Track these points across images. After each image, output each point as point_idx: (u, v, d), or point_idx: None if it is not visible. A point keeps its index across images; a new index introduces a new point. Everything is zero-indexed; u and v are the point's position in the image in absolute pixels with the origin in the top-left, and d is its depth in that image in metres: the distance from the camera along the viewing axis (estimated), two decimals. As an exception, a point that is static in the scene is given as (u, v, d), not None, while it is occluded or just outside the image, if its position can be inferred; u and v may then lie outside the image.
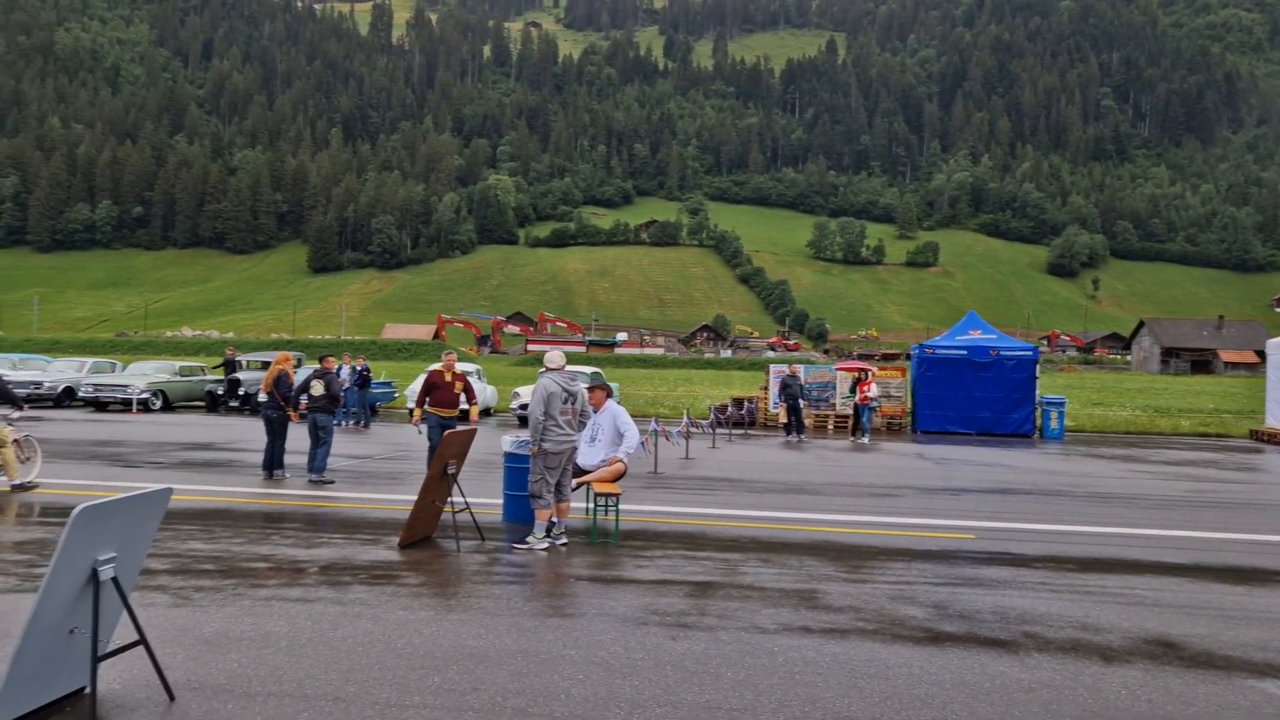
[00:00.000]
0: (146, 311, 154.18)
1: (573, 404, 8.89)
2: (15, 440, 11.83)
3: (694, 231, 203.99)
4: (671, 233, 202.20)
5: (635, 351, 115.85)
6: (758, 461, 17.30)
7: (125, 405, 26.17)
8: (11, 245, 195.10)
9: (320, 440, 12.96)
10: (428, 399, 12.85)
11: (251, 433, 20.31)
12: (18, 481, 11.67)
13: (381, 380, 27.53)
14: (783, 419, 23.33)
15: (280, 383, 13.33)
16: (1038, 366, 24.89)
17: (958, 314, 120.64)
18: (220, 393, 27.15)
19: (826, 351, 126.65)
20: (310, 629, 6.02)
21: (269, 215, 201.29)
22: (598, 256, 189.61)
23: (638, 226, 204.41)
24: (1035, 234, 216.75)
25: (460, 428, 10.03)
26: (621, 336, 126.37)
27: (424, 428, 13.18)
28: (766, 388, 27.43)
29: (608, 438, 9.79)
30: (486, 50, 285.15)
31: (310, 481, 12.71)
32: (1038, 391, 24.83)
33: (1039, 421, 24.73)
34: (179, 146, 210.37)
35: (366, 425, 22.86)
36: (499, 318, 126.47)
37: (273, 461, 13.26)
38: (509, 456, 9.89)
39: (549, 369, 8.96)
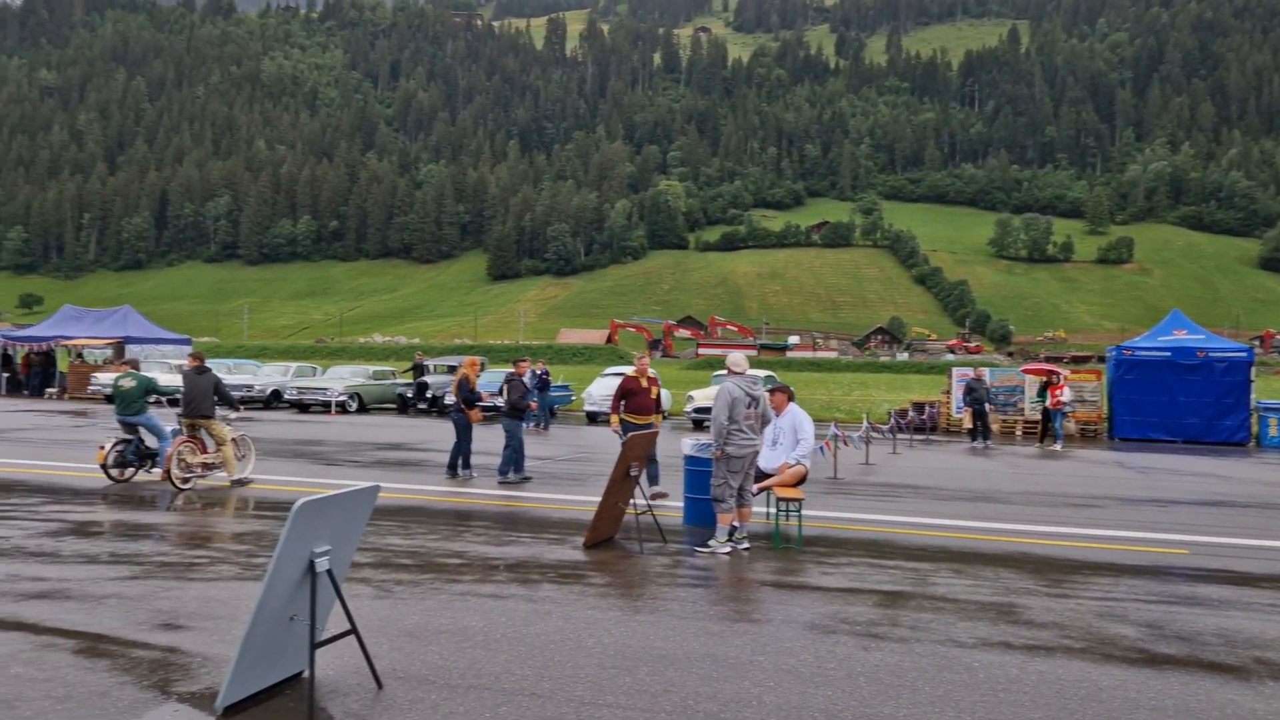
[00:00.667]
0: (341, 319, 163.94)
1: (755, 408, 8.81)
2: (233, 439, 12.75)
3: (867, 232, 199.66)
4: (844, 233, 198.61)
5: (808, 355, 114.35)
6: (942, 468, 16.70)
7: (324, 407, 27.86)
8: (225, 260, 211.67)
9: (505, 443, 13.34)
10: (623, 404, 12.22)
11: (439, 433, 21.20)
12: (236, 477, 12.57)
13: (560, 384, 28.20)
14: (967, 424, 22.45)
15: (462, 386, 13.85)
16: (1253, 369, 22.96)
17: (1156, 313, 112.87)
18: (409, 395, 28.48)
19: (1010, 354, 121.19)
20: (504, 625, 6.18)
21: (452, 226, 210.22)
22: (768, 259, 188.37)
23: (809, 228, 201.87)
24: (1244, 226, 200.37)
25: (646, 431, 10.10)
26: (794, 340, 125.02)
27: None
28: (949, 391, 26.46)
29: (789, 441, 9.66)
30: (656, 57, 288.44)
31: (499, 483, 13.09)
32: (1253, 396, 22.90)
33: (1255, 429, 22.79)
34: (370, 163, 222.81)
35: (546, 427, 23.46)
36: (670, 322, 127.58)
37: (457, 461, 13.78)
38: (689, 460, 9.90)
39: (732, 373, 8.91)
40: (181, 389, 12.71)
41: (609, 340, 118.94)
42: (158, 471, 12.48)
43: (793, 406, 9.75)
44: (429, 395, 27.66)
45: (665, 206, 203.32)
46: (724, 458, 8.71)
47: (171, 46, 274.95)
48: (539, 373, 23.95)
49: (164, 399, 13.02)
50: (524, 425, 13.77)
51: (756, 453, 8.94)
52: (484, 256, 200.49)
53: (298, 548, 4.66)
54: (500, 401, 25.72)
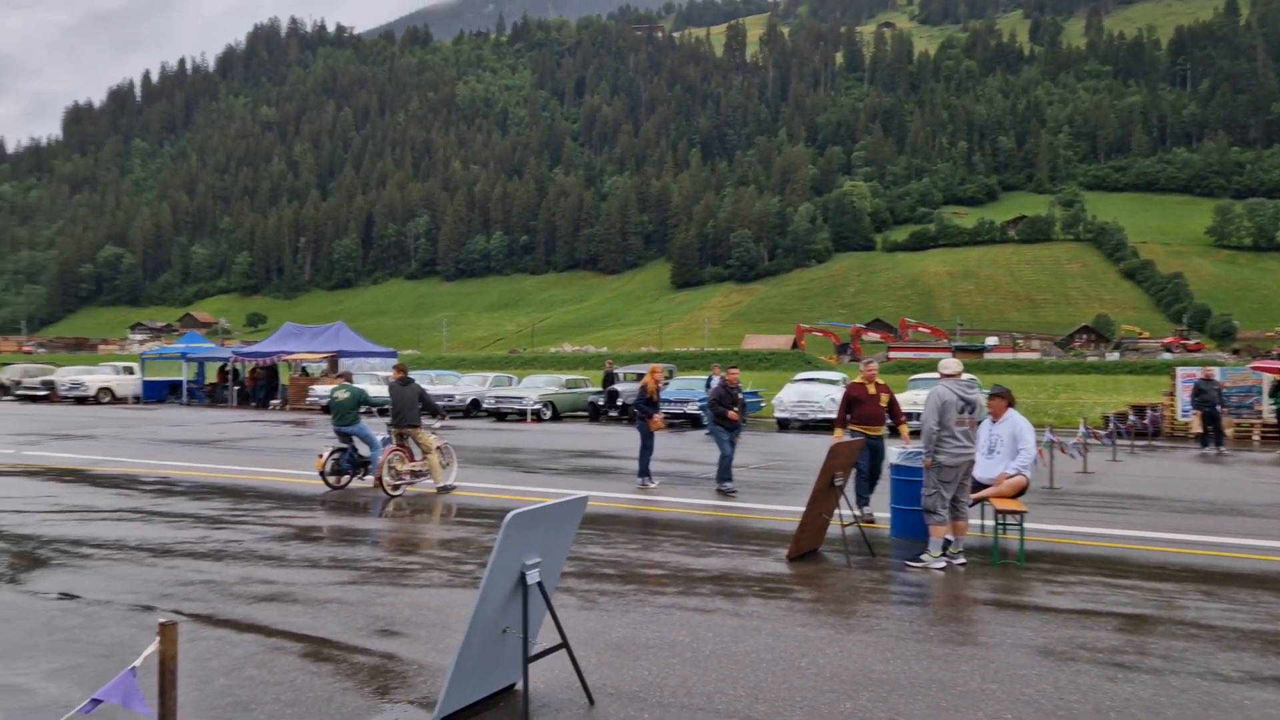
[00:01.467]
0: (533, 330, 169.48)
1: (970, 413, 8.26)
2: (438, 447, 13.18)
3: (1068, 225, 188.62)
4: (1042, 228, 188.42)
5: (1007, 356, 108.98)
6: (1171, 476, 15.34)
7: (520, 415, 28.66)
8: (424, 276, 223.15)
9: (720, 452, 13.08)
10: (848, 415, 11.07)
11: (631, 441, 21.33)
12: (441, 484, 12.99)
13: (749, 390, 27.88)
14: (1196, 428, 20.60)
15: (640, 394, 13.89)
16: None
17: None
18: (601, 403, 28.89)
19: (1236, 351, 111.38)
20: (712, 640, 5.98)
21: (636, 236, 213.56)
22: (960, 258, 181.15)
23: (1004, 224, 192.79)
24: None
25: (849, 439, 9.69)
26: (991, 341, 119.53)
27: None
28: (1172, 393, 24.42)
29: (1008, 450, 9.01)
30: (839, 57, 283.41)
31: (717, 491, 12.85)
32: None
33: None
34: (557, 178, 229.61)
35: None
36: (858, 325, 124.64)
37: (648, 469, 13.75)
38: (896, 469, 9.42)
39: (944, 375, 8.40)
40: (389, 400, 13.26)
41: (794, 345, 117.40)
42: (370, 479, 13.05)
43: (1012, 412, 9.11)
44: (620, 403, 27.95)
45: (850, 208, 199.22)
46: (935, 466, 8.21)
47: (375, 77, 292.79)
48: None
49: (375, 409, 13.59)
50: (732, 433, 13.11)
51: (971, 462, 8.38)
52: (668, 265, 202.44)
53: (509, 559, 4.62)
54: (690, 409, 25.75)
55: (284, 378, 37.35)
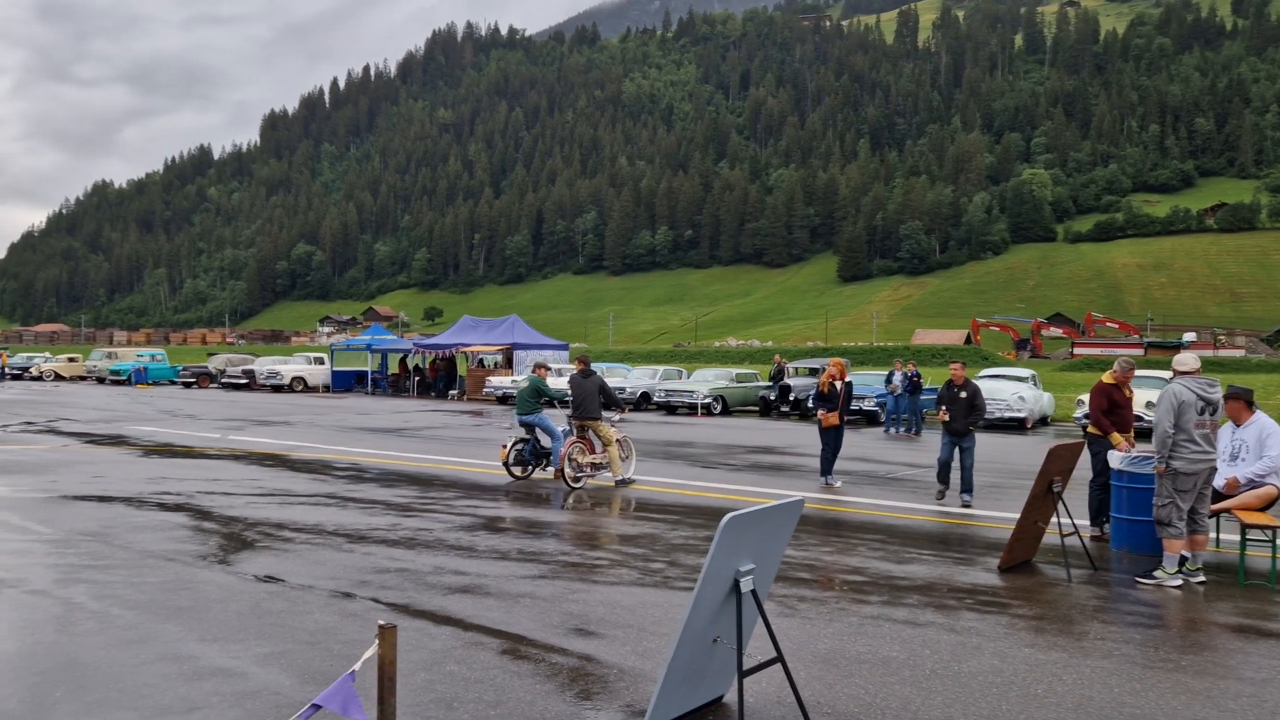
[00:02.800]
0: (697, 324, 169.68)
1: (1211, 415, 7.40)
2: (617, 440, 13.08)
3: (1275, 213, 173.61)
4: (1245, 216, 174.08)
5: (1208, 354, 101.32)
6: None
7: (690, 409, 28.47)
8: (592, 271, 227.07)
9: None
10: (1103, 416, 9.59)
11: (806, 437, 20.76)
12: (620, 477, 12.87)
13: (929, 387, 26.75)
14: None
15: (817, 388, 13.41)
16: None
17: None
18: (772, 398, 28.37)
19: None
20: (930, 659, 5.50)
21: (802, 229, 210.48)
22: (1151, 248, 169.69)
23: (1201, 212, 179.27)
24: None
25: (1070, 441, 8.91)
26: (1189, 337, 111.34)
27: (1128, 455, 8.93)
28: None
29: (1253, 456, 8.05)
30: (1017, 39, 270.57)
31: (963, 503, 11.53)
32: None
33: None
34: (722, 172, 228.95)
35: (918, 432, 22.26)
36: (1039, 320, 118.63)
37: (831, 468, 13.22)
38: (1119, 475, 8.59)
39: (1179, 373, 7.56)
40: (570, 392, 13.27)
41: (968, 341, 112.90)
42: (551, 470, 13.07)
43: (1259, 415, 8.13)
44: (792, 398, 27.35)
45: (1030, 197, 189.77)
46: (1169, 473, 7.40)
47: (544, 77, 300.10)
48: (910, 375, 22.78)
49: (555, 401, 13.63)
50: (961, 440, 11.66)
51: (1212, 469, 7.51)
52: (835, 258, 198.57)
53: (723, 565, 4.30)
54: (867, 405, 24.89)
55: (461, 369, 38.53)
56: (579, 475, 12.62)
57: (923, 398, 23.18)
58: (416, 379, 38.78)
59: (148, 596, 6.72)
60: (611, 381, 30.42)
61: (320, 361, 42.00)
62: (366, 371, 40.77)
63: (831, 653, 5.60)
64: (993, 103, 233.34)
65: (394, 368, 41.23)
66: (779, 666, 4.54)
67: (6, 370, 50.29)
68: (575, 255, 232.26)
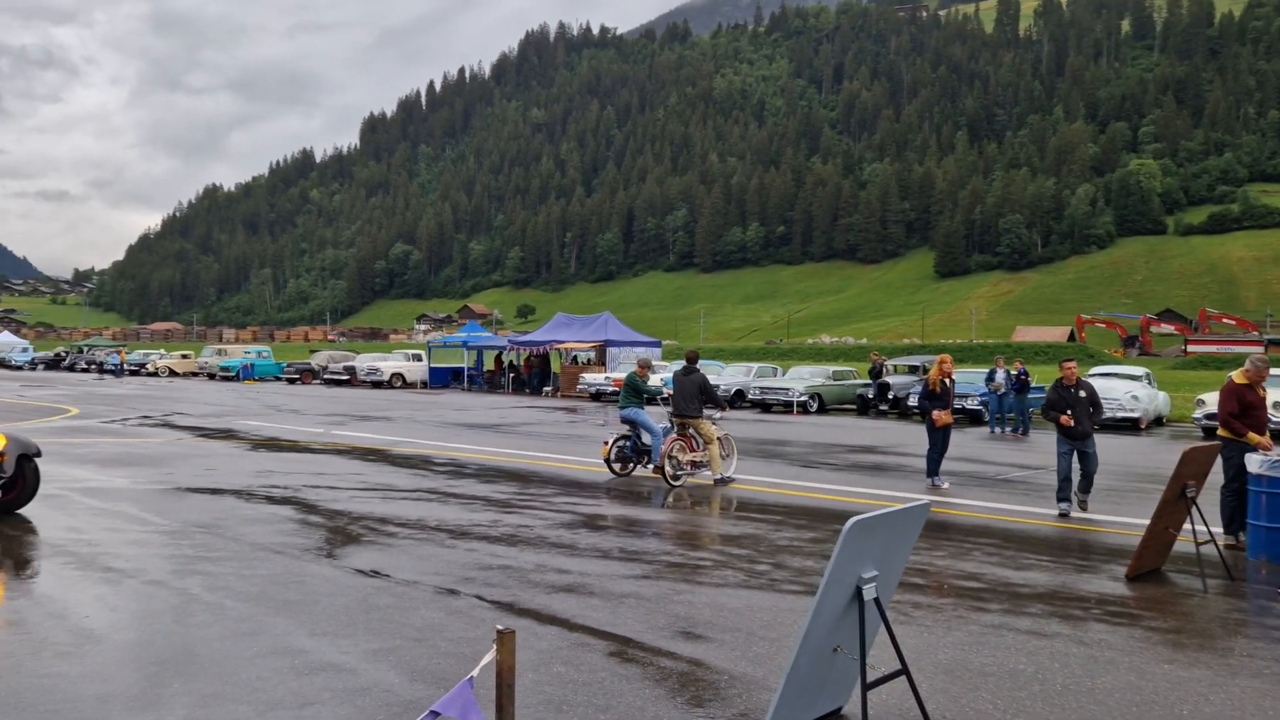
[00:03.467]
0: (789, 321, 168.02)
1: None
2: (718, 438, 12.91)
3: None
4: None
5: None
6: None
7: (785, 407, 28.07)
8: (682, 268, 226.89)
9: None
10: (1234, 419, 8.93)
11: (907, 436, 20.23)
12: (719, 475, 12.69)
13: (1038, 385, 25.83)
14: None
15: (923, 386, 13.00)
16: None
17: None
18: (870, 396, 27.79)
19: None
20: (1060, 673, 5.18)
21: (897, 224, 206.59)
22: (1269, 241, 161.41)
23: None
24: None
25: (1205, 444, 8.40)
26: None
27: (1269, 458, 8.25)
28: None
29: None
30: (1124, 25, 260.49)
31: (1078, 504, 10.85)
32: None
33: None
34: (815, 167, 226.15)
35: (1025, 433, 21.50)
36: (1148, 315, 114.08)
37: (937, 468, 12.80)
38: (1257, 479, 8.06)
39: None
40: (671, 388, 13.16)
41: (1071, 338, 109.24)
42: (652, 467, 12.98)
43: None
44: (891, 396, 26.74)
45: (1137, 188, 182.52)
46: (1318, 479, 6.88)
47: (635, 75, 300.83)
48: (1018, 373, 22.03)
49: (657, 398, 13.56)
50: (1081, 443, 10.61)
51: (1366, 475, 6.96)
52: (931, 254, 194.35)
53: (845, 571, 4.09)
54: (970, 404, 24.15)
55: (555, 366, 38.79)
56: (679, 473, 12.48)
57: (1030, 396, 22.39)
58: (511, 375, 39.18)
59: (258, 589, 6.81)
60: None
61: (418, 358, 42.79)
62: (463, 368, 41.38)
63: (953, 664, 5.33)
64: (1097, 91, 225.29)
65: (489, 364, 41.77)
66: (899, 678, 4.32)
67: (125, 366, 52.63)
68: (666, 253, 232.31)
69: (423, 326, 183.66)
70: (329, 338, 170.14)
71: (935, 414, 12.58)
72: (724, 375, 31.95)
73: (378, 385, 40.06)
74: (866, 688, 4.08)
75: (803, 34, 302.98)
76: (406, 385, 40.38)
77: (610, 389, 32.05)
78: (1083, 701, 4.75)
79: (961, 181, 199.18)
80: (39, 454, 9.71)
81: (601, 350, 35.88)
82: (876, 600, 4.23)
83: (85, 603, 6.40)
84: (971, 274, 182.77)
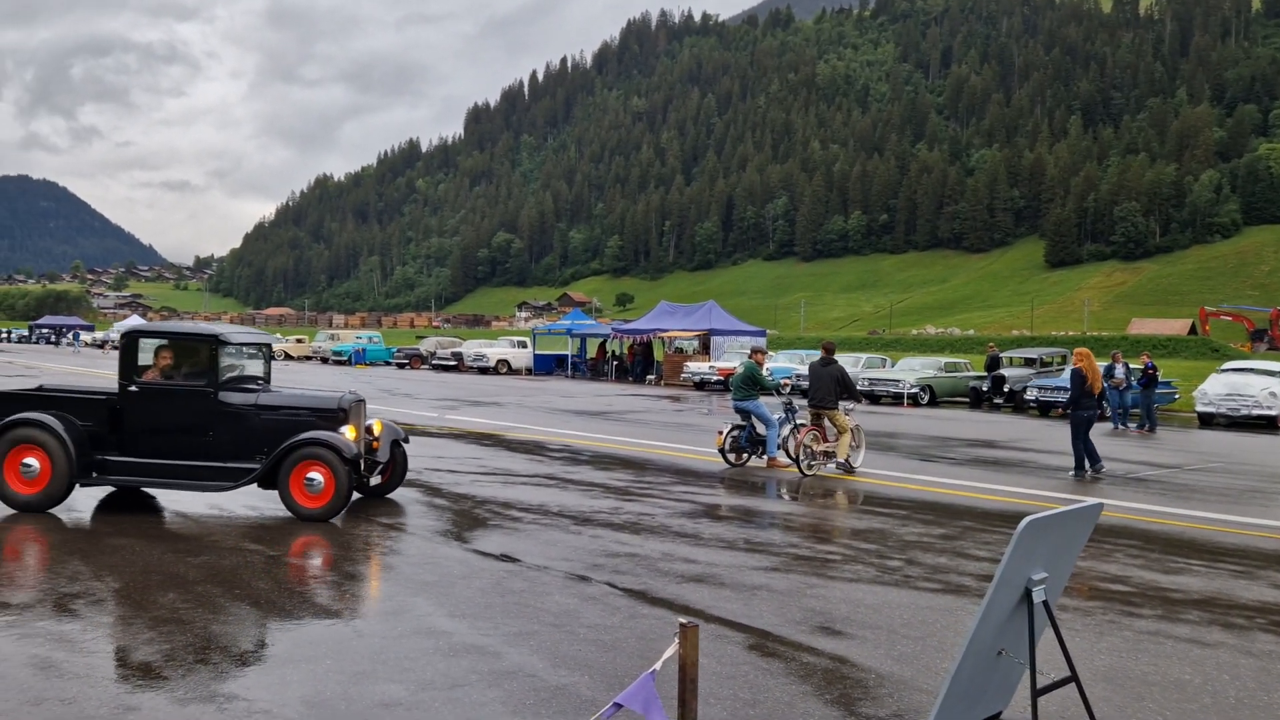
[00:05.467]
0: (891, 311, 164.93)
1: None
2: (851, 428, 12.78)
3: None
4: None
5: None
6: None
7: (895, 399, 27.51)
8: (782, 257, 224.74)
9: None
10: None
11: (1027, 430, 19.62)
12: (841, 460, 12.51)
13: (1165, 379, 24.75)
14: None
15: (1073, 380, 12.61)
16: None
17: None
18: (984, 389, 27.03)
19: None
20: (1232, 685, 4.90)
21: (1005, 212, 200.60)
22: None
23: None
24: None
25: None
26: None
27: None
28: None
29: None
30: (1255, 1, 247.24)
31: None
32: None
33: None
34: (920, 154, 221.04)
35: (1152, 429, 20.59)
36: (1278, 308, 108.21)
37: (1083, 462, 12.51)
38: None
39: None
40: (808, 378, 13.18)
41: (1193, 331, 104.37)
42: (766, 458, 12.88)
43: None
44: (1006, 389, 25.95)
45: (1266, 174, 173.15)
46: None
47: (737, 63, 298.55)
48: (1145, 366, 21.11)
49: (775, 389, 13.49)
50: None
51: None
52: (1040, 243, 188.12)
53: (1015, 573, 3.92)
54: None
55: (658, 354, 38.82)
56: (812, 463, 12.47)
57: (1158, 391, 21.44)
58: (614, 363, 39.38)
59: (395, 570, 6.94)
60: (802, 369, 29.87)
61: (523, 345, 43.37)
62: (566, 355, 41.75)
63: (1113, 671, 5.10)
64: (1224, 72, 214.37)
65: (592, 352, 42.04)
66: (1066, 685, 4.13)
67: (244, 350, 54.64)
68: (765, 241, 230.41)
69: (523, 313, 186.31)
70: (433, 324, 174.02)
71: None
72: (830, 365, 31.46)
73: (484, 371, 40.74)
74: (1036, 693, 3.91)
75: (909, 17, 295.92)
76: (512, 371, 40.96)
77: (715, 378, 31.93)
78: (1261, 718, 4.48)
79: (1074, 168, 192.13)
80: (407, 440, 10.07)
81: (705, 339, 35.76)
82: (1045, 603, 4.05)
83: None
84: (1083, 263, 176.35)
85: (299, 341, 57.02)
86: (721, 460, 13.06)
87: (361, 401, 9.48)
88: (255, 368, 9.75)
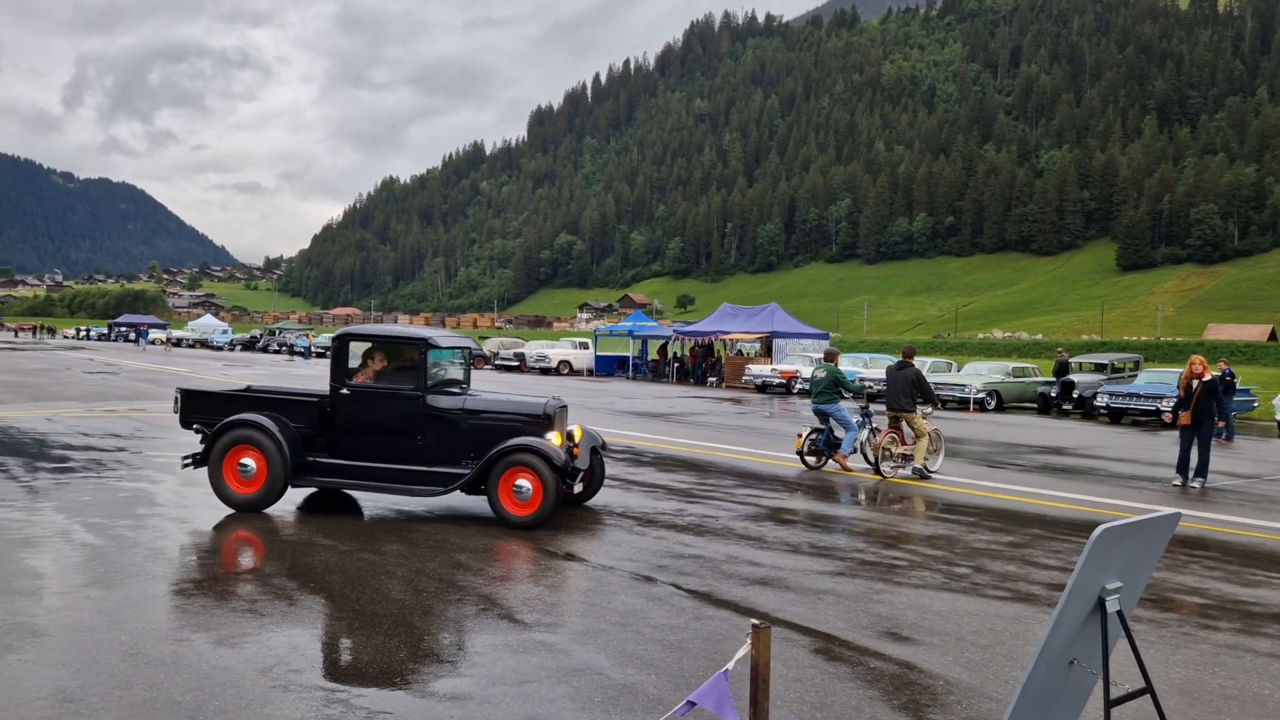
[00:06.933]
0: (956, 314, 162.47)
1: None
2: (929, 432, 12.70)
3: None
4: None
5: None
6: None
7: (960, 403, 27.13)
8: (845, 259, 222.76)
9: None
10: None
11: (1098, 439, 19.22)
12: (918, 465, 12.42)
13: (1244, 387, 24.06)
14: None
15: (1209, 389, 12.83)
16: None
17: None
18: (1053, 395, 26.52)
19: None
20: (1315, 702, 4.78)
21: (1075, 214, 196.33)
22: None
23: None
24: None
25: None
26: None
27: None
28: None
29: None
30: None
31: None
32: None
33: None
34: (987, 155, 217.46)
35: (1229, 437, 20.00)
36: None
37: (1185, 470, 12.71)
38: None
39: None
40: (884, 382, 13.16)
41: (1272, 337, 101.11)
42: (837, 454, 12.90)
43: None
44: (1075, 395, 25.43)
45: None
46: None
47: (801, 63, 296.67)
48: (1223, 373, 20.53)
49: (860, 393, 13.47)
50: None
51: None
52: (1112, 245, 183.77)
53: (1089, 582, 3.88)
54: (1163, 406, 22.64)
55: (719, 356, 38.74)
56: (891, 465, 12.53)
57: (1236, 399, 20.84)
58: (676, 365, 39.41)
59: (464, 565, 7.07)
60: (874, 373, 29.57)
61: (584, 346, 43.60)
62: (627, 357, 41.90)
63: (1188, 684, 5.00)
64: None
65: (653, 354, 42.12)
66: (1141, 697, 4.06)
67: (314, 349, 55.90)
68: (828, 243, 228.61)
69: (585, 315, 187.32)
70: (496, 325, 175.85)
71: (1183, 415, 12.80)
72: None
73: (546, 372, 41.06)
74: (1110, 704, 3.86)
75: (978, 16, 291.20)
76: (573, 372, 41.22)
77: (776, 381, 31.79)
78: (1346, 735, 4.37)
79: (1148, 169, 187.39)
80: (605, 447, 10.00)
81: (768, 341, 35.61)
82: (1120, 613, 3.99)
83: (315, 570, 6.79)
84: (1157, 267, 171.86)
85: (366, 341, 57.91)
86: (799, 464, 13.13)
87: (565, 407, 9.33)
88: (457, 371, 9.74)
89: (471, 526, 8.56)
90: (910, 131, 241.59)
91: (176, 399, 9.24)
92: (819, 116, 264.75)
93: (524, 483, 8.32)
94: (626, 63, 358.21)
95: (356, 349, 9.14)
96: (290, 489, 8.87)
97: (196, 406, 9.14)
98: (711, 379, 37.05)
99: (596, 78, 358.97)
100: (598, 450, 9.68)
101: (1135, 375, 26.52)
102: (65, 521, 8.15)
